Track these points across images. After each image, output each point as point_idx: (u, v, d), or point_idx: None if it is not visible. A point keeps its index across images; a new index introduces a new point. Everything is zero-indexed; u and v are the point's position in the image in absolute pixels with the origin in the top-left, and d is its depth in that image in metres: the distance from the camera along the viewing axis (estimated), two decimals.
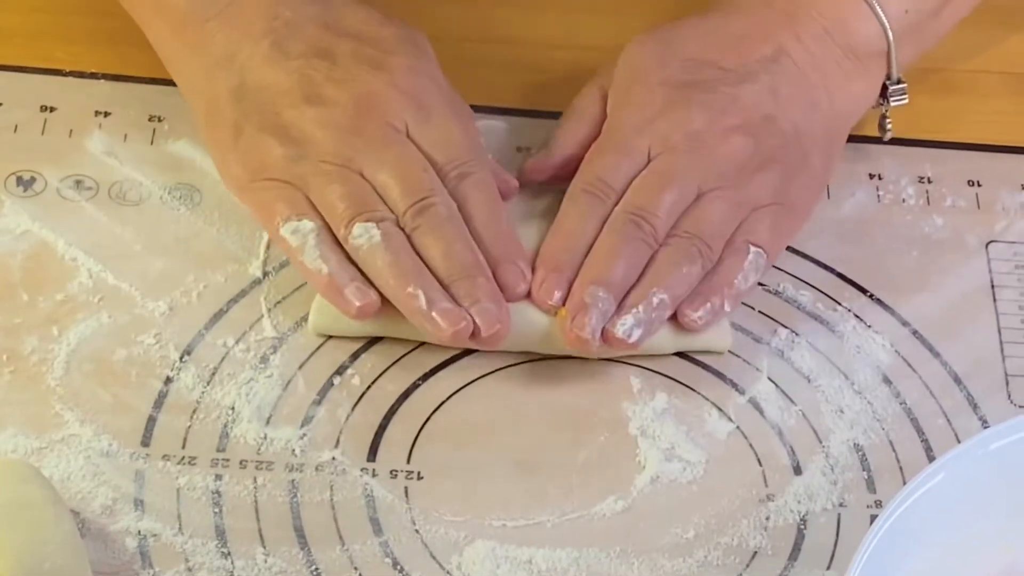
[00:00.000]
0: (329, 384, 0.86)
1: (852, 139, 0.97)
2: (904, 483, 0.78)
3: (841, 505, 0.84)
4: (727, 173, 0.88)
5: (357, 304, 0.84)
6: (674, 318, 0.87)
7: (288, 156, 0.87)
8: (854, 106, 0.95)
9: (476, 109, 0.94)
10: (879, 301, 0.92)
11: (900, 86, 0.95)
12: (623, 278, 0.86)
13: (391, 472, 0.83)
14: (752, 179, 0.88)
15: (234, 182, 0.89)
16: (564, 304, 0.86)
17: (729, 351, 0.89)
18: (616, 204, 0.88)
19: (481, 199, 0.88)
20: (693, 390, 0.87)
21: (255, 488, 0.82)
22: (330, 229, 0.86)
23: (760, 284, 0.91)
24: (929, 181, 0.98)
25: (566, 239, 0.87)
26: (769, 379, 0.88)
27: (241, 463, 0.83)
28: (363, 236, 0.84)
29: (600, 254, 0.86)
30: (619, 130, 0.90)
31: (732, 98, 0.90)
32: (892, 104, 0.95)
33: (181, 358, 0.86)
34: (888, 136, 0.97)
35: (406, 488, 0.82)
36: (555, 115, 0.96)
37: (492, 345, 0.84)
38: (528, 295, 0.86)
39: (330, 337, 0.88)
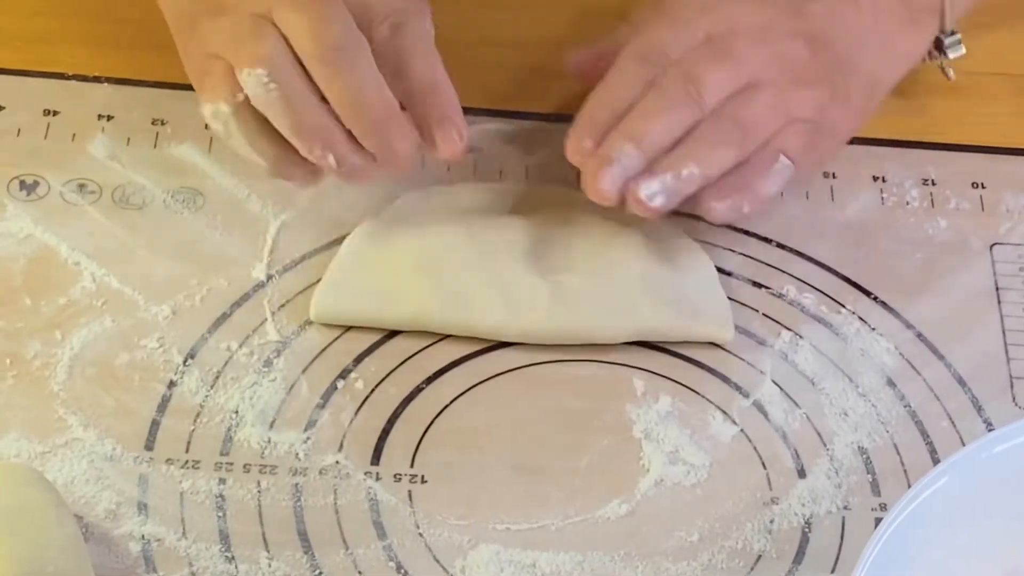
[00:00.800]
0: (332, 388, 0.86)
1: (856, 141, 0.97)
2: (909, 486, 0.78)
3: (845, 508, 0.84)
4: (782, 73, 0.88)
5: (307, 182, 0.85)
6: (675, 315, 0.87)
7: (216, 26, 0.85)
8: (902, 58, 0.95)
9: (470, 111, 0.94)
10: (883, 303, 0.92)
11: (955, 37, 0.95)
12: (658, 140, 0.85)
13: (395, 476, 0.83)
14: (801, 89, 0.88)
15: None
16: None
17: (732, 353, 0.89)
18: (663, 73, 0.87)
19: (416, 51, 0.85)
20: (697, 393, 0.87)
21: (259, 492, 0.82)
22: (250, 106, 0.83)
23: (763, 287, 0.91)
24: (933, 183, 0.97)
25: (608, 97, 0.87)
26: (773, 382, 0.88)
27: (245, 467, 0.83)
28: (255, 85, 0.82)
29: (641, 112, 0.86)
30: (682, 7, 0.89)
31: (799, 6, 0.89)
32: (950, 56, 0.96)
33: (184, 362, 0.86)
34: (952, 77, 0.98)
35: (410, 492, 0.82)
36: (550, 117, 0.97)
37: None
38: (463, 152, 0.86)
39: (333, 340, 0.87)
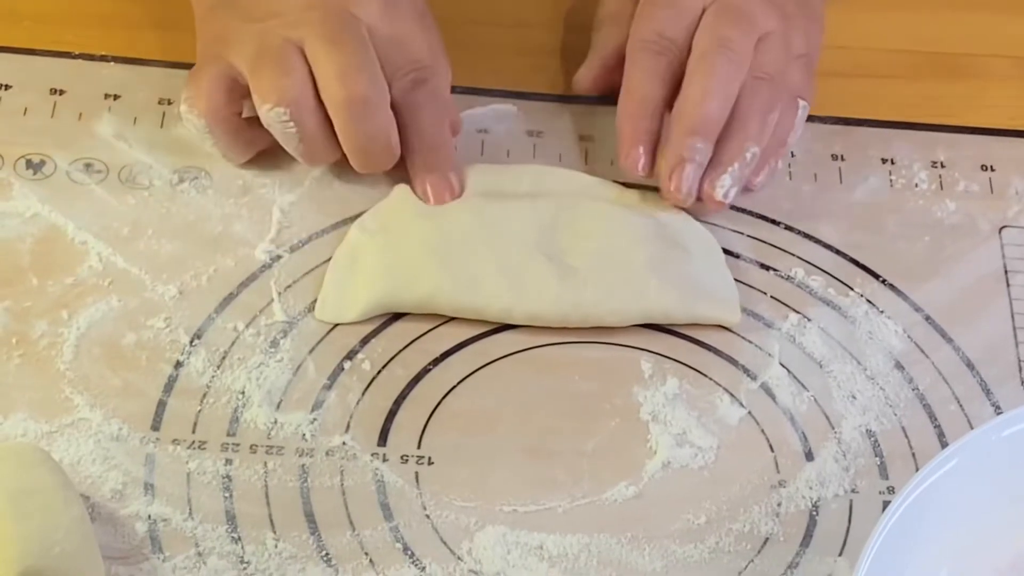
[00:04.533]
0: (339, 369, 0.86)
1: (865, 123, 0.97)
2: (917, 469, 0.78)
3: (853, 491, 0.83)
4: (779, 18, 0.90)
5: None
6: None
7: (242, 32, 0.87)
8: None
9: (486, 93, 0.94)
10: (891, 286, 0.92)
11: None
12: (718, 117, 0.88)
13: (401, 457, 0.83)
14: (793, 27, 0.91)
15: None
16: (651, 171, 0.89)
17: (740, 336, 0.89)
18: (677, 58, 0.90)
19: (428, 108, 0.89)
20: (704, 375, 0.87)
21: (265, 473, 0.82)
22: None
23: (771, 269, 0.91)
24: (942, 166, 0.97)
25: (638, 104, 0.90)
26: (781, 364, 0.88)
27: (251, 448, 0.82)
28: (275, 119, 0.86)
29: (693, 99, 0.88)
30: None
31: None
32: None
33: (191, 342, 0.86)
34: None
35: (416, 473, 0.82)
36: (566, 98, 0.96)
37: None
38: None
39: (341, 322, 0.87)
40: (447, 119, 0.90)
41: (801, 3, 0.93)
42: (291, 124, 0.86)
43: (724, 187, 0.89)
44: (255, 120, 0.89)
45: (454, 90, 0.93)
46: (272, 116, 0.86)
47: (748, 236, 0.93)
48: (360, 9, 0.88)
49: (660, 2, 0.91)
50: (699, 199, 0.90)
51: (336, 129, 0.87)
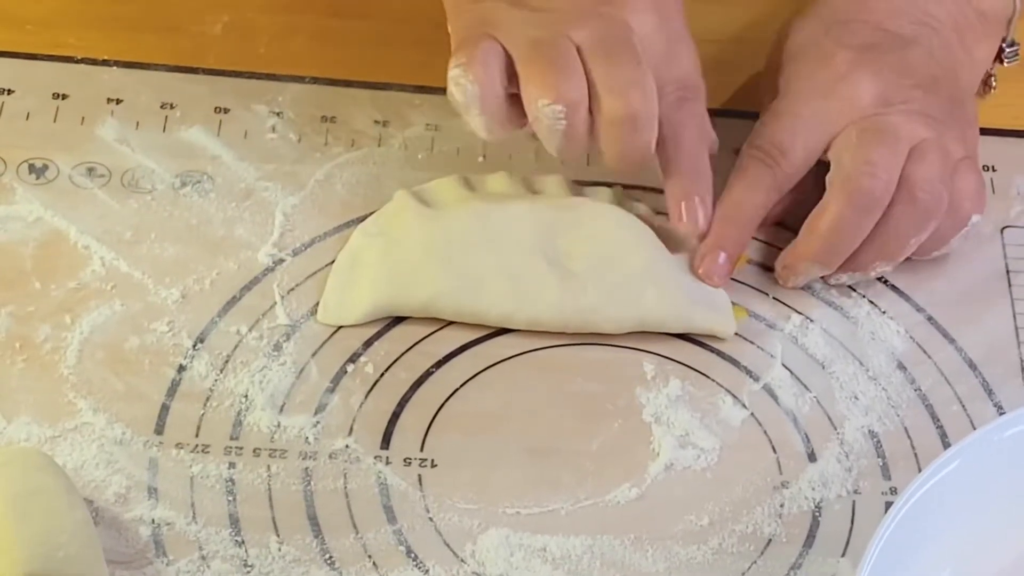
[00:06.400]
0: (342, 372, 0.86)
1: None
2: (919, 470, 0.78)
3: (856, 492, 0.83)
4: (928, 127, 0.88)
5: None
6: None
7: (517, 16, 0.86)
8: (980, 65, 0.96)
9: None
10: (893, 287, 0.92)
11: (1014, 48, 0.96)
12: (846, 252, 0.88)
13: (405, 460, 0.83)
14: (946, 131, 0.89)
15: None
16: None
17: (742, 337, 0.89)
18: (784, 170, 0.89)
19: (691, 128, 0.88)
20: (707, 376, 0.87)
21: (269, 476, 0.82)
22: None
23: (774, 270, 0.91)
24: None
25: (734, 210, 0.89)
26: (783, 365, 0.88)
27: (255, 451, 0.83)
28: (548, 115, 0.85)
29: (827, 226, 0.87)
30: (799, 94, 0.90)
31: (902, 63, 0.90)
32: (1005, 64, 0.97)
33: (194, 346, 0.86)
34: (992, 91, 0.98)
35: (420, 476, 0.82)
36: None
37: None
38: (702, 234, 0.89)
39: (343, 324, 0.88)
40: (706, 146, 0.89)
41: (948, 110, 0.90)
42: (563, 122, 0.85)
43: (837, 280, 0.90)
44: (516, 99, 0.87)
45: None
46: (547, 112, 0.84)
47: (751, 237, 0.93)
48: (636, 21, 0.87)
49: (783, 111, 0.90)
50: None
51: (601, 136, 0.86)
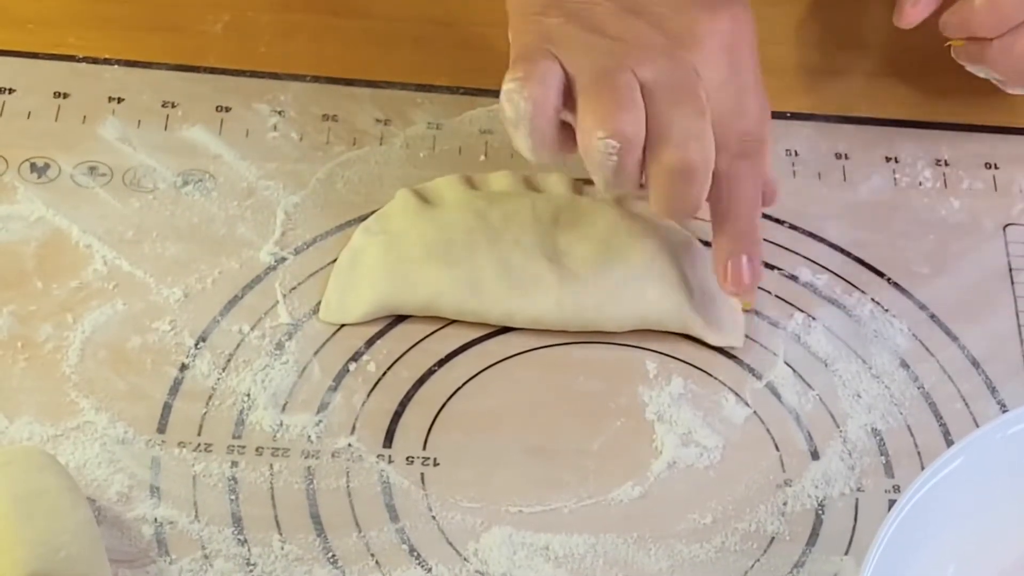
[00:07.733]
0: (344, 370, 0.86)
1: (868, 121, 0.97)
2: (922, 468, 0.78)
3: (859, 490, 0.83)
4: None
5: None
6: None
7: (581, 41, 0.83)
8: None
9: (488, 93, 0.94)
10: (896, 285, 0.91)
11: None
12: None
13: (407, 458, 0.83)
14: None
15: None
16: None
17: (745, 335, 0.89)
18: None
19: (747, 185, 0.86)
20: (709, 375, 0.87)
21: (271, 475, 0.82)
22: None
23: (776, 268, 0.91)
24: (946, 164, 0.97)
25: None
26: (786, 364, 0.88)
27: (257, 450, 0.82)
28: (602, 149, 0.81)
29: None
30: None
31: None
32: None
33: (196, 345, 0.86)
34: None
35: (422, 474, 0.82)
36: None
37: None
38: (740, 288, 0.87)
39: (345, 323, 0.87)
40: (759, 202, 0.87)
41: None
42: (615, 159, 0.82)
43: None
44: (566, 123, 0.84)
45: (462, 91, 0.93)
46: (600, 145, 0.81)
47: None
48: (707, 70, 0.84)
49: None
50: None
51: (652, 182, 0.83)
